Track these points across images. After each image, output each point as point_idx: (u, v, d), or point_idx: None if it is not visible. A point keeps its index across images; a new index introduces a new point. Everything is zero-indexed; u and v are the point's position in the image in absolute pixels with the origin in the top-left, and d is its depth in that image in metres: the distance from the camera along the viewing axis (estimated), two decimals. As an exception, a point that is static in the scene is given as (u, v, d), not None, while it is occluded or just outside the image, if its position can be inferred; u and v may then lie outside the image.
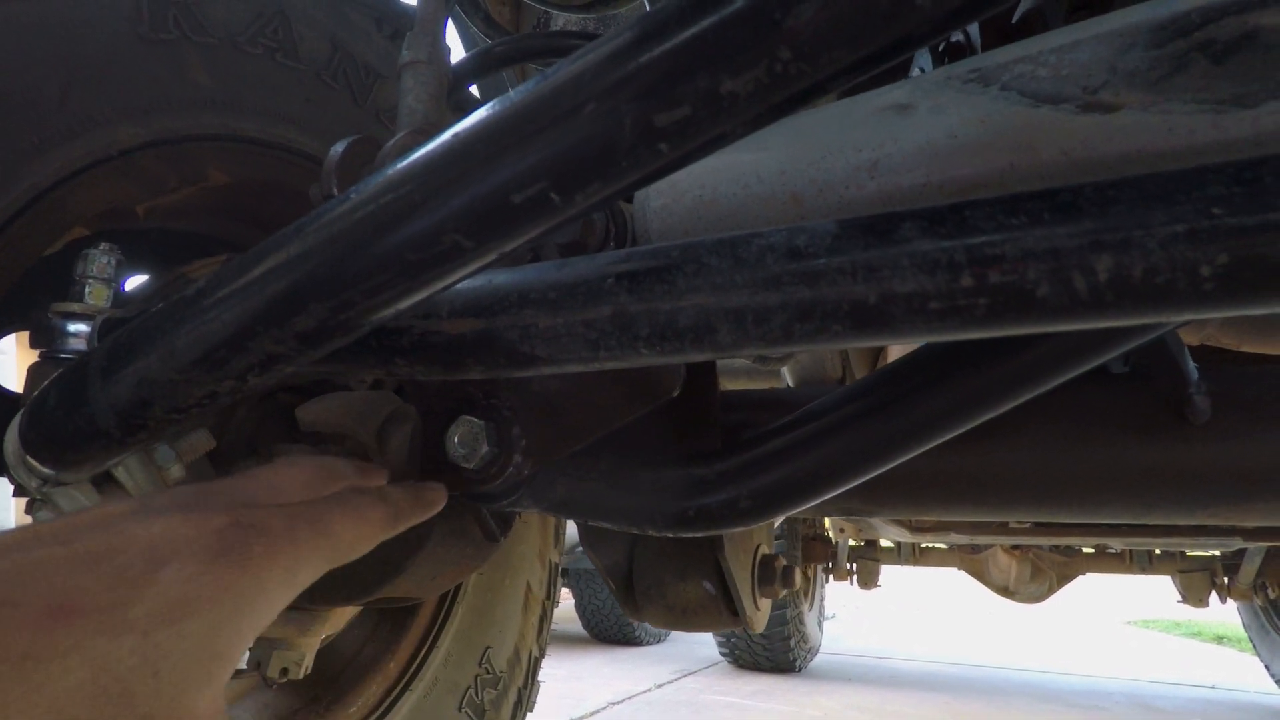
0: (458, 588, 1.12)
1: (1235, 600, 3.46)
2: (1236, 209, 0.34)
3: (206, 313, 0.49)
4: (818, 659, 4.54)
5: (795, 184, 0.54)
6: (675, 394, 0.69)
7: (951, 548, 3.78)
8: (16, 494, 0.65)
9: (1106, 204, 0.36)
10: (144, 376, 0.52)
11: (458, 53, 1.00)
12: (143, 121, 0.75)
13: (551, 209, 0.38)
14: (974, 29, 0.83)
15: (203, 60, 0.80)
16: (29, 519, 0.58)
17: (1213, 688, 4.47)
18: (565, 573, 4.94)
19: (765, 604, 0.92)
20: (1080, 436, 0.71)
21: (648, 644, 5.30)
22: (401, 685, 1.05)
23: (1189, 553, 3.42)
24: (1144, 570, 3.53)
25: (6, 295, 0.71)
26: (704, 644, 5.04)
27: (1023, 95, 0.47)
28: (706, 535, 0.77)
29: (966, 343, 0.62)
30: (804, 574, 4.08)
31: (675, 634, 5.63)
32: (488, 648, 1.17)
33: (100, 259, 0.70)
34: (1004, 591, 3.68)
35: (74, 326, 0.68)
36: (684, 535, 0.68)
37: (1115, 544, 2.85)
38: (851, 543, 4.03)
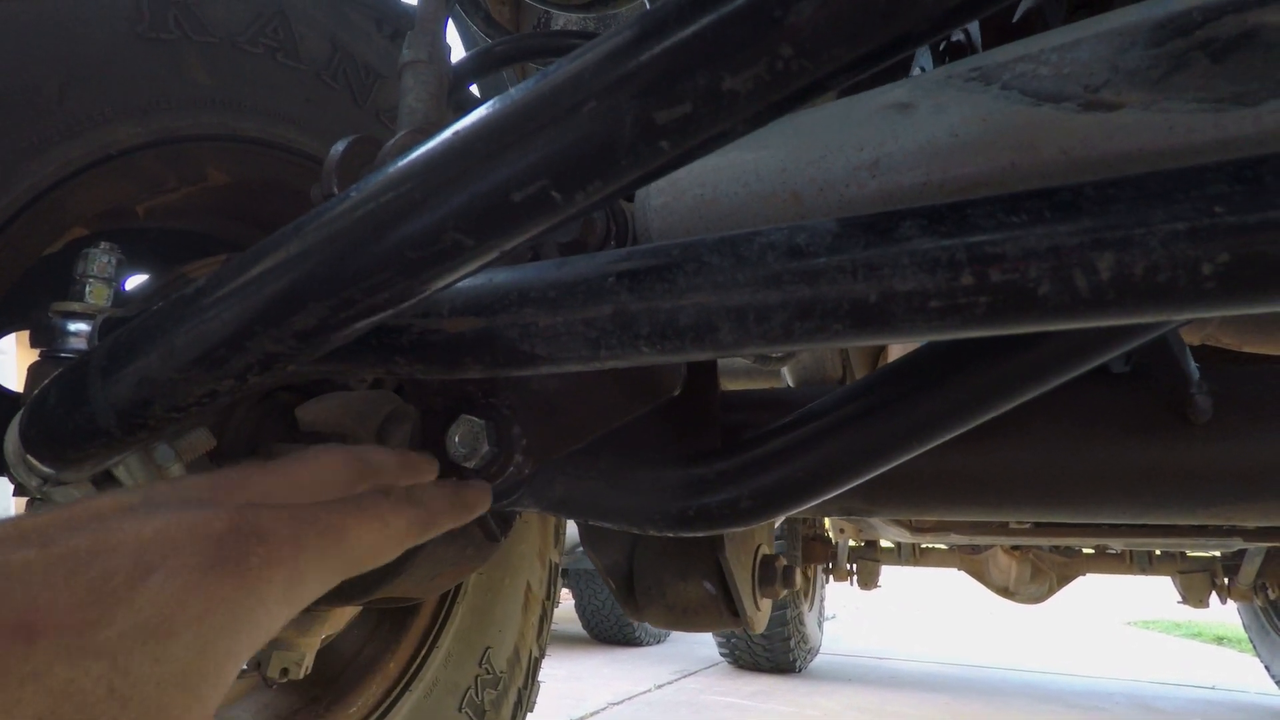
0: (458, 588, 1.12)
1: (1235, 601, 3.46)
2: (1237, 207, 0.34)
3: (206, 312, 0.48)
4: (818, 659, 4.54)
5: (796, 182, 0.54)
6: (676, 393, 0.69)
7: (951, 548, 3.78)
8: (17, 493, 0.65)
9: (1107, 202, 0.36)
10: (144, 375, 0.52)
11: (458, 52, 0.99)
12: (143, 121, 0.75)
13: (552, 207, 0.38)
14: (975, 27, 0.83)
15: (203, 60, 0.80)
16: (28, 518, 0.58)
17: (1213, 689, 4.47)
18: (565, 573, 4.93)
19: (765, 604, 0.92)
20: (1081, 436, 0.71)
21: (648, 644, 5.30)
22: (402, 685, 1.05)
23: (1189, 553, 3.42)
24: (1144, 571, 3.52)
25: (7, 295, 0.71)
26: (704, 644, 5.04)
27: (1024, 94, 0.47)
28: (707, 535, 0.76)
29: (967, 342, 0.62)
30: (804, 574, 4.07)
31: (675, 634, 5.63)
32: (488, 648, 1.17)
33: (100, 258, 0.70)
34: (1004, 592, 3.68)
35: (74, 326, 0.68)
36: (684, 535, 0.68)
37: (1115, 544, 2.85)
38: (851, 543, 4.03)
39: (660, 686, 3.86)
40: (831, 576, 4.09)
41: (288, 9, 0.88)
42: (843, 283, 0.40)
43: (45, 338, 0.68)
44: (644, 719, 3.24)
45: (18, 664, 0.29)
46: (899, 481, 0.76)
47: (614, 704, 3.44)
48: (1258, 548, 3.13)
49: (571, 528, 0.94)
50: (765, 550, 0.92)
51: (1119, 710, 3.65)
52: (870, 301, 0.39)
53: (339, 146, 0.64)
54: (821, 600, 4.66)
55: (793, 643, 4.05)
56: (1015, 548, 3.53)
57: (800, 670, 4.24)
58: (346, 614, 1.01)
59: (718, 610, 0.84)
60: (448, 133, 0.40)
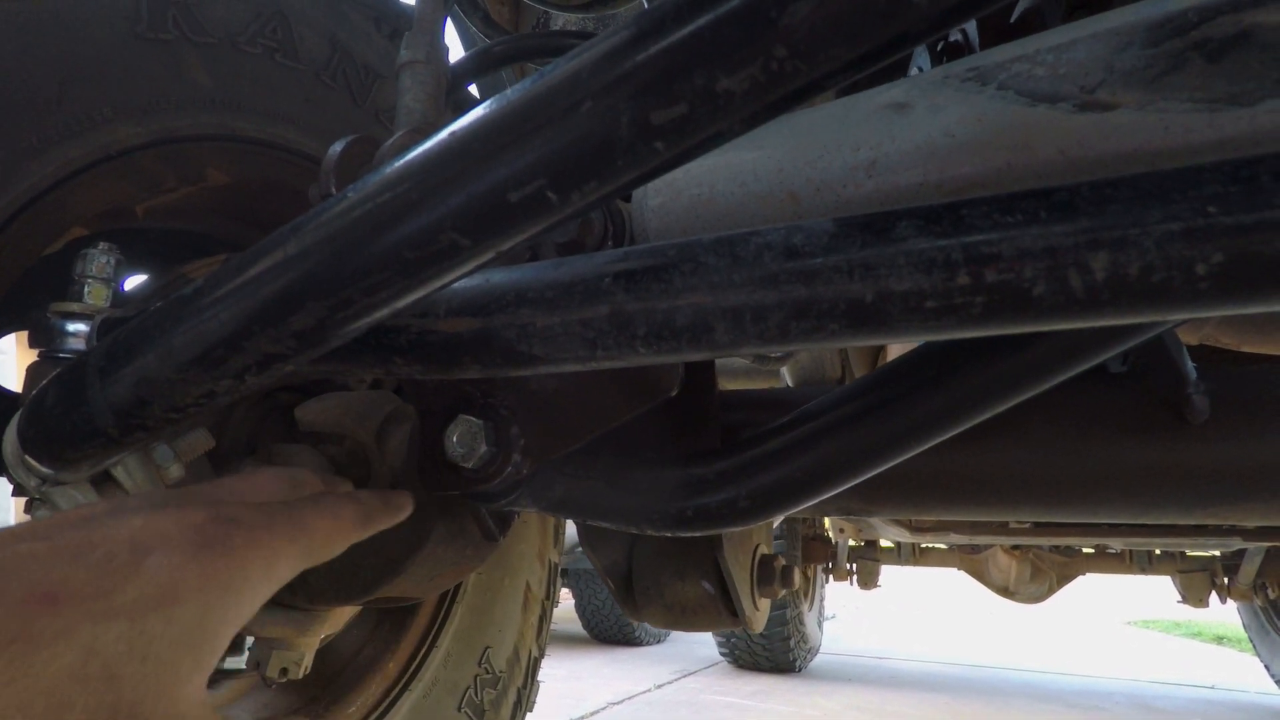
0: (457, 587, 1.12)
1: (1235, 600, 3.46)
2: (1233, 207, 0.34)
3: (204, 312, 0.49)
4: (817, 659, 4.54)
5: (793, 182, 0.54)
6: (674, 393, 0.69)
7: (951, 548, 3.78)
8: (16, 493, 0.65)
9: (1103, 203, 0.36)
10: (142, 376, 0.52)
11: (456, 52, 1.00)
12: (142, 121, 0.75)
13: (549, 207, 0.38)
14: (972, 27, 0.83)
15: (202, 60, 0.80)
16: (28, 518, 0.58)
17: (1213, 688, 4.47)
18: (565, 573, 4.94)
19: (764, 604, 0.92)
20: (1079, 436, 0.71)
21: (647, 644, 5.30)
22: (401, 685, 1.05)
23: (1189, 553, 3.42)
24: (1144, 570, 3.52)
25: (6, 295, 0.71)
26: (704, 644, 5.04)
27: (1020, 94, 0.47)
28: (705, 535, 0.76)
29: (965, 342, 0.62)
30: (803, 574, 4.07)
31: (675, 634, 5.63)
32: (487, 648, 1.17)
33: (99, 259, 0.70)
34: (1004, 592, 3.68)
35: (73, 326, 0.68)
36: (683, 535, 0.68)
37: (1115, 544, 2.85)
38: (851, 543, 4.03)
39: (660, 686, 3.87)
40: (831, 576, 4.09)
41: (287, 9, 0.88)
42: (839, 283, 0.40)
43: (44, 338, 0.68)
44: (644, 719, 3.24)
45: (48, 625, 0.33)
46: (897, 481, 0.76)
47: (614, 704, 3.44)
48: (1257, 547, 3.13)
49: (571, 527, 0.94)
50: (764, 550, 0.92)
51: (1119, 710, 3.65)
52: (866, 302, 0.40)
53: (337, 147, 0.64)
54: (821, 600, 4.66)
55: (792, 642, 4.05)
56: (1015, 547, 3.53)
57: (800, 670, 4.24)
58: (346, 614, 1.01)
59: (716, 610, 0.84)
60: (444, 133, 0.40)
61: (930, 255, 0.38)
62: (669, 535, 0.69)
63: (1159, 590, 4.08)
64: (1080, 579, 3.68)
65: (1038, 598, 3.64)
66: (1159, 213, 0.35)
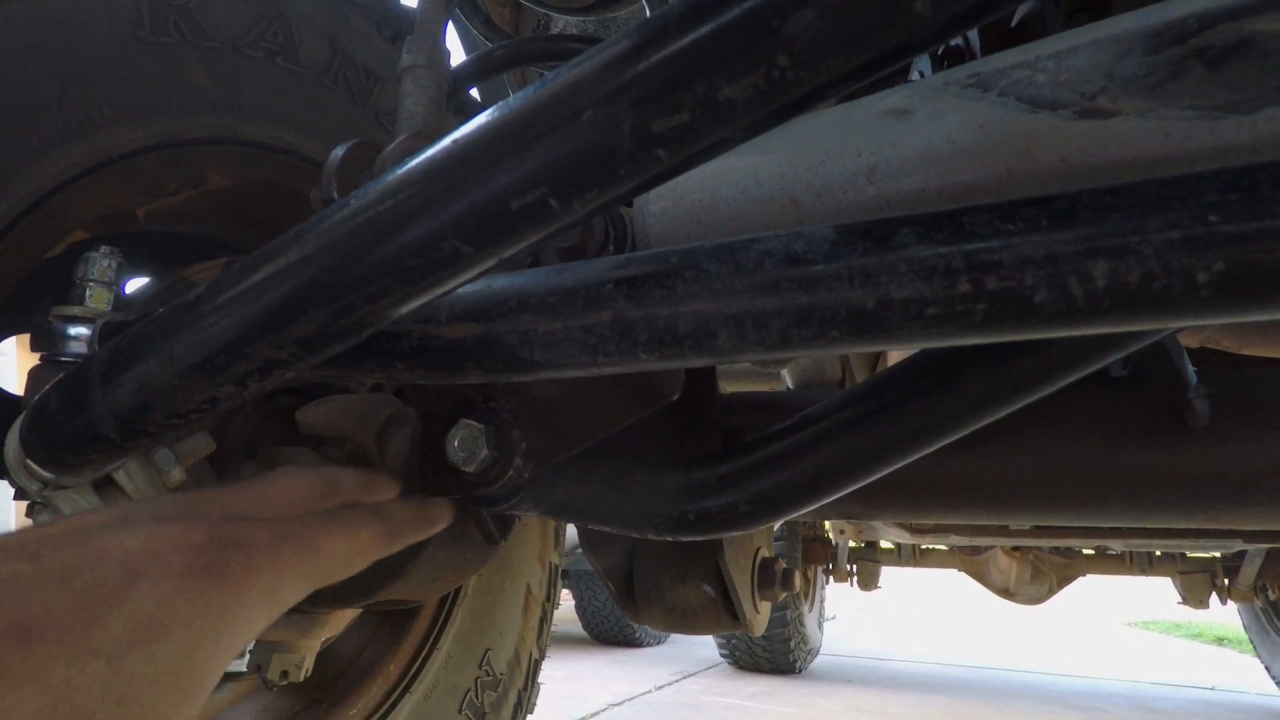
0: (458, 590, 1.12)
1: (1235, 602, 3.46)
2: (1233, 215, 0.34)
3: (206, 318, 0.49)
4: (818, 660, 4.54)
5: (794, 188, 0.55)
6: (675, 397, 0.69)
7: (952, 549, 3.78)
8: (17, 497, 0.65)
9: (1103, 210, 0.36)
10: (144, 382, 0.52)
11: (458, 56, 1.00)
12: (143, 124, 0.75)
13: (550, 215, 0.38)
14: (973, 33, 0.83)
15: (203, 63, 0.80)
16: (30, 522, 0.58)
17: (1213, 689, 4.47)
18: (565, 575, 4.93)
19: (765, 607, 0.92)
20: (1080, 440, 0.71)
21: (648, 646, 5.29)
22: (402, 687, 1.05)
23: (1189, 554, 3.42)
24: (1144, 572, 3.53)
25: (8, 298, 0.71)
26: (704, 645, 5.04)
27: (1021, 101, 0.47)
28: (706, 539, 0.77)
29: (967, 347, 0.62)
30: (804, 576, 4.07)
31: (675, 636, 5.62)
32: (488, 650, 1.17)
33: (101, 262, 0.70)
34: (1004, 593, 3.68)
35: (74, 330, 0.68)
36: (684, 539, 0.68)
37: (1115, 545, 2.85)
38: (851, 544, 4.03)
39: (660, 687, 3.87)
40: (831, 577, 4.09)
41: (287, 12, 0.88)
42: (840, 290, 0.40)
43: (46, 342, 0.68)
44: (644, 720, 3.24)
45: (17, 665, 0.31)
46: (899, 485, 0.76)
47: (614, 705, 3.44)
48: (1258, 549, 3.13)
49: (571, 528, 0.94)
50: (764, 553, 0.92)
51: (1119, 711, 3.65)
52: (867, 309, 0.40)
53: (338, 151, 0.64)
54: (821, 601, 4.66)
55: (793, 644, 4.05)
56: (1015, 549, 3.53)
57: (800, 671, 4.24)
58: (346, 616, 1.01)
59: (717, 613, 0.84)
60: (447, 140, 0.40)
61: (931, 262, 0.38)
62: (670, 539, 0.69)
63: (1159, 591, 4.08)
64: (1080, 580, 3.68)
65: (1038, 599, 3.64)
66: (1159, 220, 0.35)
